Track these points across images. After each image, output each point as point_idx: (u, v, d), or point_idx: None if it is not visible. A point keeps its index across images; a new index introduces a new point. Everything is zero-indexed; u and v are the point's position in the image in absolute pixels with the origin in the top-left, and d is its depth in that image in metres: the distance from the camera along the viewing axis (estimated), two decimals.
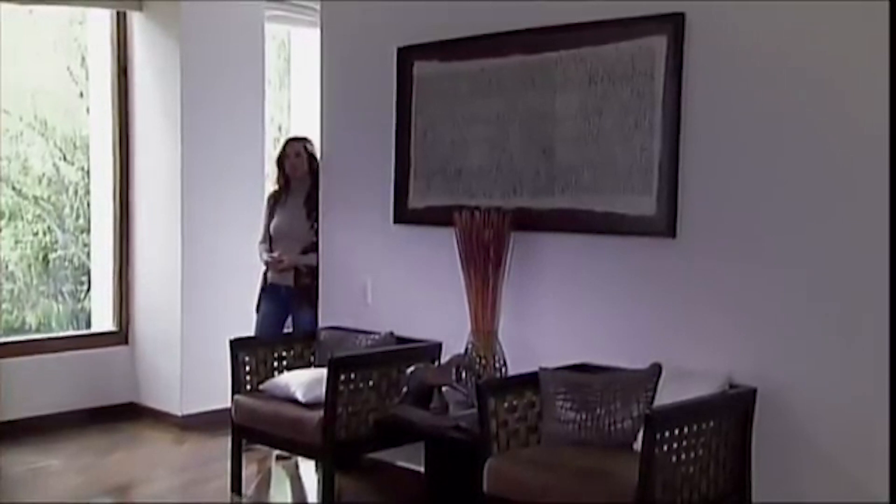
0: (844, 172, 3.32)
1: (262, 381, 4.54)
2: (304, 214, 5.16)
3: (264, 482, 4.86)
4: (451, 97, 4.39)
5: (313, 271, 5.08)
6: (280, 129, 6.88)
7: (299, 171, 5.18)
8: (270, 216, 5.26)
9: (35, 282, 6.06)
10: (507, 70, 4.17)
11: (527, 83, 4.11)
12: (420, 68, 4.51)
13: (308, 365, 4.72)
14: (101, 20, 5.88)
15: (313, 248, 5.09)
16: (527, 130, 4.12)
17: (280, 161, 5.25)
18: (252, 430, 4.41)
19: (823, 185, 3.37)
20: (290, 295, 5.16)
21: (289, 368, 4.67)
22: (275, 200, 5.28)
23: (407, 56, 4.55)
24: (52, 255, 6.14)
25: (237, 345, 4.56)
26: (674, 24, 3.66)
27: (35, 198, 6.08)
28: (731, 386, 3.48)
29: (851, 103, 3.30)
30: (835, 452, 3.36)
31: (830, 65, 3.34)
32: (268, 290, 5.23)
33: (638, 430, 3.33)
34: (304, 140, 5.25)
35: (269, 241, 5.24)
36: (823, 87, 3.36)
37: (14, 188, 5.96)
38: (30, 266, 6.06)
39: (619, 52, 3.82)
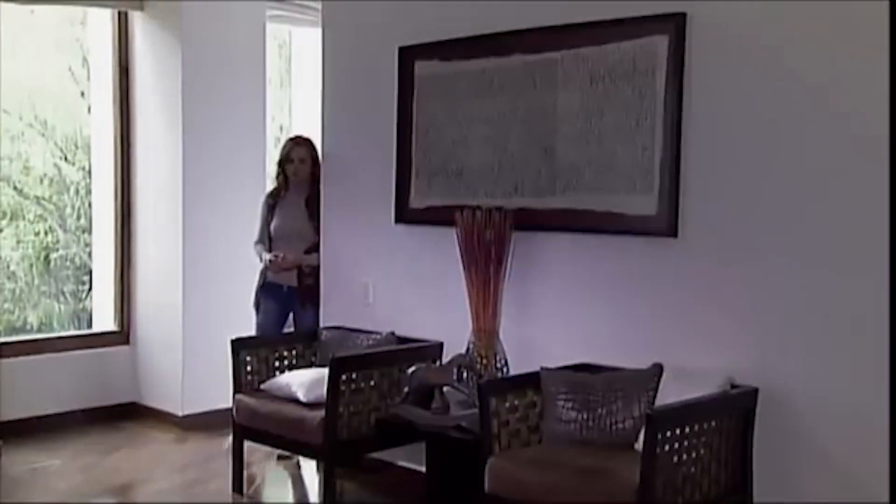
0: (846, 172, 3.32)
1: (263, 381, 4.54)
2: (306, 214, 5.10)
3: (265, 482, 4.86)
4: (453, 97, 4.39)
5: (315, 271, 5.06)
6: (281, 128, 6.88)
7: (301, 175, 5.11)
8: (269, 216, 5.18)
9: (36, 281, 6.06)
10: (508, 70, 4.17)
11: (528, 83, 4.11)
12: (421, 68, 4.51)
13: (309, 364, 4.72)
14: (102, 20, 5.89)
15: (316, 247, 5.05)
16: (528, 130, 4.12)
17: (282, 164, 5.15)
18: (253, 429, 4.41)
19: (825, 185, 3.37)
20: (292, 294, 5.12)
21: (290, 368, 4.67)
22: (274, 200, 5.20)
23: (408, 55, 4.55)
24: (53, 255, 6.14)
25: (238, 344, 4.56)
26: (675, 24, 3.66)
27: (36, 197, 6.08)
28: (733, 386, 3.47)
29: (852, 103, 3.30)
30: (836, 452, 3.36)
31: (832, 64, 3.34)
32: (267, 288, 5.17)
33: (639, 430, 3.33)
34: (309, 143, 5.14)
35: (269, 240, 5.16)
36: (825, 87, 3.36)
37: (15, 188, 5.96)
38: (31, 266, 6.06)
39: (621, 52, 3.82)
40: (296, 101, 6.82)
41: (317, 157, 5.08)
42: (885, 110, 3.19)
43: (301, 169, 5.08)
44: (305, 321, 5.10)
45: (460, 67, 4.35)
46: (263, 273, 5.19)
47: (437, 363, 4.32)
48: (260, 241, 5.22)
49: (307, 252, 5.09)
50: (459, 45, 4.34)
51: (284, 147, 5.20)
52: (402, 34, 4.59)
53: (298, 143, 5.15)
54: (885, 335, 3.22)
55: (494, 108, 4.23)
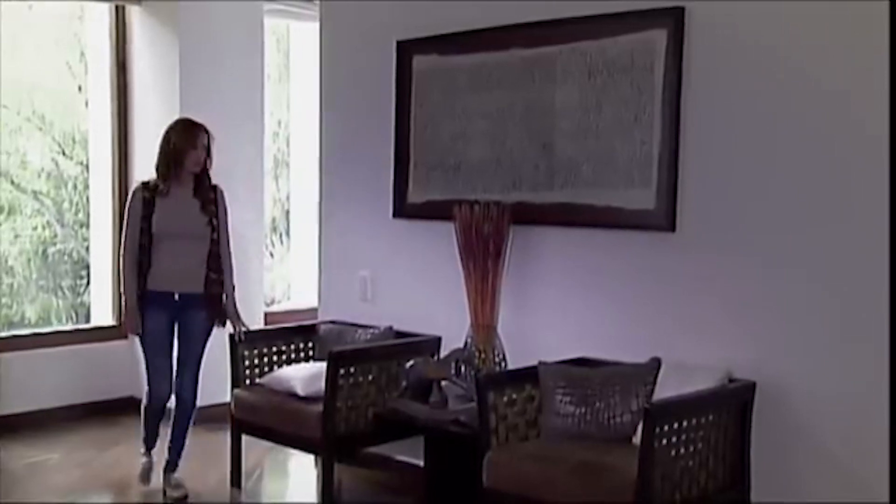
0: (844, 167, 3.33)
1: (261, 376, 4.55)
2: (197, 206, 4.34)
3: (263, 476, 4.86)
4: (451, 91, 4.39)
5: (220, 279, 4.41)
6: (280, 123, 6.88)
7: (201, 166, 4.33)
8: (147, 211, 4.27)
9: (34, 276, 6.06)
10: (506, 64, 4.17)
11: (526, 77, 4.10)
12: (419, 62, 4.51)
13: (307, 359, 4.73)
14: (100, 15, 5.88)
15: (217, 249, 4.38)
16: (526, 124, 4.12)
17: (181, 153, 4.29)
18: (251, 424, 4.41)
19: (823, 180, 3.37)
20: (187, 301, 4.33)
21: (288, 363, 4.67)
22: (152, 193, 4.29)
23: (406, 50, 4.55)
24: (51, 250, 6.14)
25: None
26: (674, 18, 3.66)
27: (34, 192, 6.08)
28: (731, 380, 3.48)
29: (851, 97, 3.30)
30: (833, 445, 3.37)
31: (830, 59, 3.34)
32: (151, 299, 4.30)
33: (637, 424, 3.34)
34: (205, 127, 4.38)
35: (150, 241, 4.27)
36: (823, 82, 3.36)
37: (13, 182, 5.96)
38: (29, 260, 6.06)
39: (619, 46, 3.82)
40: (294, 96, 6.82)
41: (210, 143, 4.38)
42: (884, 104, 3.19)
43: (201, 159, 4.32)
44: (196, 329, 4.37)
45: (458, 62, 4.35)
46: (144, 278, 4.31)
47: (436, 357, 4.31)
48: (131, 248, 4.30)
49: (210, 261, 4.37)
50: (457, 40, 4.34)
51: (184, 133, 4.34)
52: (400, 28, 4.58)
53: (202, 130, 4.35)
54: (883, 330, 3.22)
55: (493, 103, 4.23)
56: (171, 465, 4.51)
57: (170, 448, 4.51)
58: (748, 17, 3.52)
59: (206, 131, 4.37)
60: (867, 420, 3.28)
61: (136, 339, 4.44)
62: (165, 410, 4.48)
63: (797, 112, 3.42)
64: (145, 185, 4.35)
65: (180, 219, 4.32)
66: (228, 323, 4.48)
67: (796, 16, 3.40)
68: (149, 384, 4.41)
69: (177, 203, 4.32)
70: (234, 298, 4.48)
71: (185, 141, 4.30)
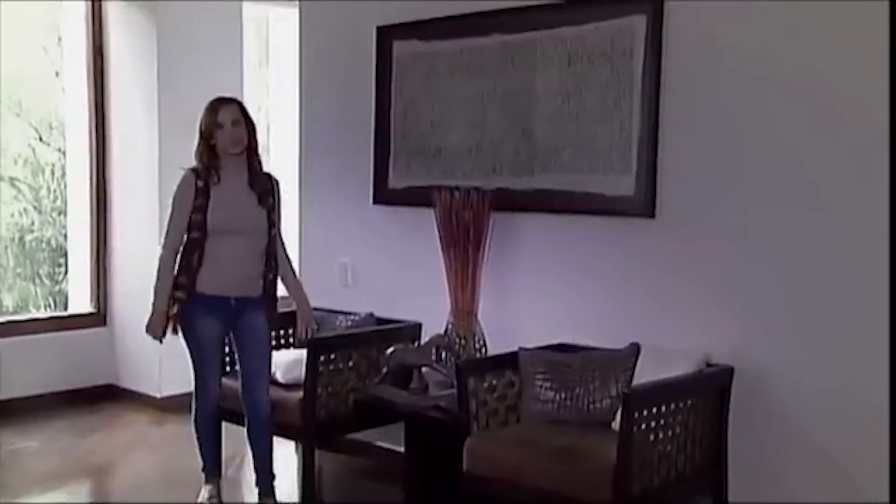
0: (822, 153, 3.34)
1: None
2: (255, 199, 3.87)
3: (243, 463, 4.85)
4: (431, 77, 4.38)
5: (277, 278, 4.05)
6: (259, 109, 6.83)
7: (240, 144, 3.82)
8: (201, 202, 3.77)
9: (12, 264, 6.01)
10: (486, 50, 4.16)
11: (506, 63, 4.10)
12: (400, 48, 4.49)
13: (288, 346, 4.71)
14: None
15: (274, 245, 3.95)
16: (506, 110, 4.12)
17: (208, 135, 3.81)
18: (231, 411, 4.38)
19: (803, 165, 3.38)
20: (239, 306, 3.89)
21: None
22: (204, 181, 3.80)
23: (386, 35, 4.53)
24: (28, 237, 6.09)
25: None
26: (653, 5, 3.66)
27: (11, 179, 6.02)
28: (709, 365, 3.50)
29: (832, 83, 3.31)
30: (810, 430, 3.40)
31: (812, 44, 3.35)
32: (203, 303, 3.83)
33: (616, 409, 3.35)
34: (238, 102, 3.91)
35: (203, 235, 3.78)
36: (805, 67, 3.37)
37: None
38: (6, 248, 6.01)
39: (599, 32, 3.82)
40: (274, 82, 6.79)
41: (251, 120, 3.91)
42: (870, 91, 3.21)
43: (237, 133, 3.80)
44: (261, 335, 4.01)
45: (439, 47, 4.34)
46: (192, 281, 3.82)
47: (416, 344, 4.31)
48: (172, 244, 3.82)
49: (267, 262, 3.93)
50: (438, 25, 4.33)
51: (206, 113, 3.84)
52: (379, 14, 4.57)
53: (226, 103, 3.86)
54: (863, 316, 3.25)
55: (473, 89, 4.22)
56: (266, 490, 4.03)
57: (258, 471, 4.05)
58: (727, 3, 3.52)
59: (235, 103, 3.87)
60: (845, 405, 3.31)
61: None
62: (218, 416, 4.15)
63: (777, 98, 3.42)
64: (195, 171, 3.82)
65: (237, 212, 3.83)
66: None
67: (776, 3, 3.41)
68: (197, 390, 4.03)
69: (232, 194, 3.83)
70: (306, 296, 4.11)
71: (209, 120, 3.80)
